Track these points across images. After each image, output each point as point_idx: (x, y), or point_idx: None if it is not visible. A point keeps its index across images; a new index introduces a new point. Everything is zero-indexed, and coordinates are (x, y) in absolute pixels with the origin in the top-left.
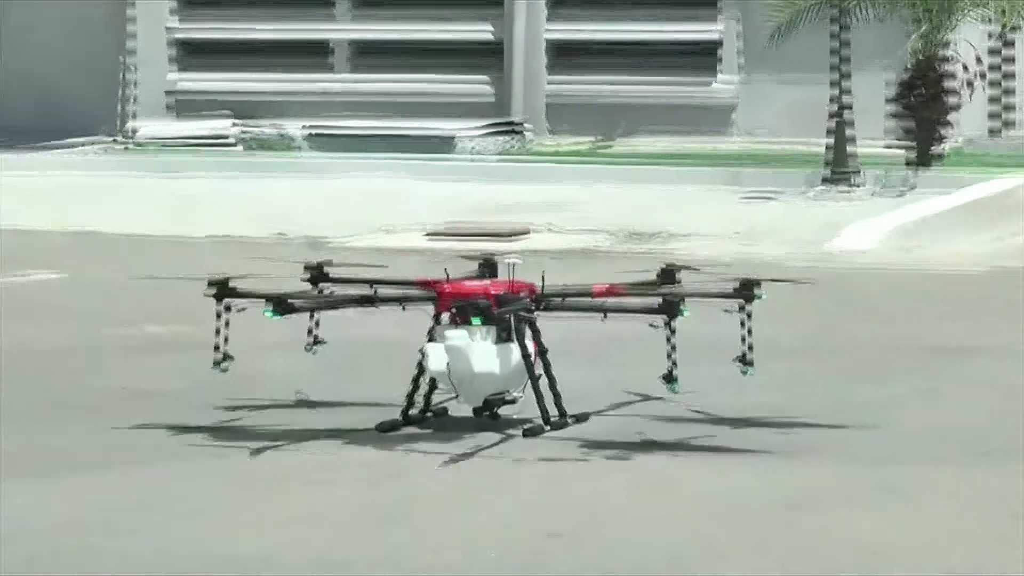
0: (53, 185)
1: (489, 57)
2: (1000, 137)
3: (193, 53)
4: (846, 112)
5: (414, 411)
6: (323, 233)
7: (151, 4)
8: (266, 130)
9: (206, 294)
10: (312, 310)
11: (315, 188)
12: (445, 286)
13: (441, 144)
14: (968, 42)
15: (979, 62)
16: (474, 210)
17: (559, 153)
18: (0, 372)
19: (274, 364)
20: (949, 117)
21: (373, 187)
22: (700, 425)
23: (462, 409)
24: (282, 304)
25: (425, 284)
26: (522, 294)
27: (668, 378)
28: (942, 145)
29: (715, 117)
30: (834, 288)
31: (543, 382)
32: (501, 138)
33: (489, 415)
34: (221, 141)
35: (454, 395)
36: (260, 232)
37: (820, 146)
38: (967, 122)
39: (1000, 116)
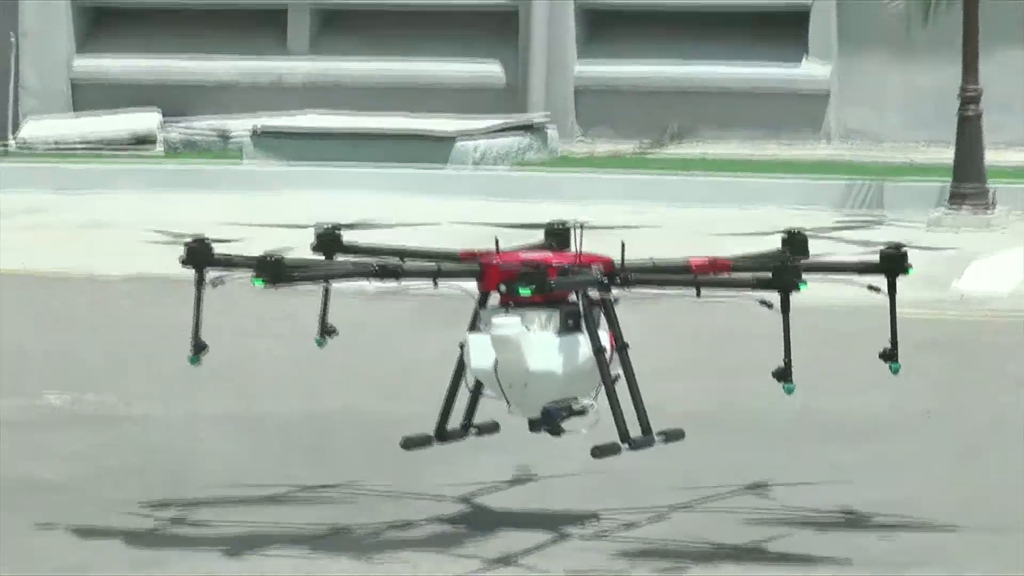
0: None
1: (500, 29)
2: None
3: (103, 26)
4: (980, 107)
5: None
6: None
7: None
8: (198, 127)
9: (181, 261)
10: (317, 281)
11: (264, 208)
12: (494, 258)
13: (435, 148)
14: None
15: None
16: (479, 238)
17: (593, 161)
18: None
19: (215, 445)
20: None
21: (342, 206)
22: (775, 525)
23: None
24: (274, 268)
25: (470, 256)
26: (594, 268)
27: (782, 375)
28: None
29: (802, 112)
30: (958, 343)
31: (621, 387)
32: (516, 140)
33: (551, 430)
34: (143, 146)
35: (505, 403)
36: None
37: (944, 153)
38: None
39: None
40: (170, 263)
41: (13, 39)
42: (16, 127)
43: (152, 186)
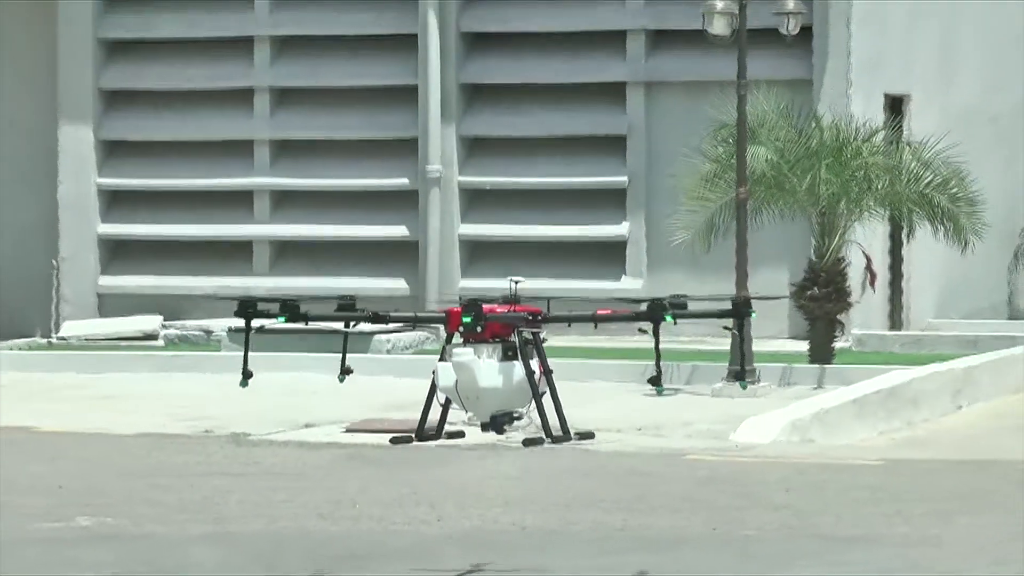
0: None
1: (404, 256)
2: (893, 332)
3: (120, 254)
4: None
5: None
6: (246, 429)
7: (80, 208)
8: (189, 326)
9: (235, 314)
10: (325, 320)
11: (236, 383)
12: (456, 309)
13: (358, 341)
14: (859, 244)
15: (869, 265)
16: (391, 406)
17: None
18: None
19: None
20: (843, 316)
21: (294, 382)
22: None
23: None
24: (294, 310)
25: (443, 310)
26: (525, 313)
27: (655, 381)
28: (836, 343)
29: None
30: (733, 479)
31: (547, 400)
32: (417, 335)
33: (496, 431)
34: (149, 340)
35: (464, 411)
36: (184, 428)
37: (724, 343)
38: (862, 319)
39: (892, 314)
40: (169, 424)
41: (55, 264)
42: (58, 327)
43: (156, 369)
